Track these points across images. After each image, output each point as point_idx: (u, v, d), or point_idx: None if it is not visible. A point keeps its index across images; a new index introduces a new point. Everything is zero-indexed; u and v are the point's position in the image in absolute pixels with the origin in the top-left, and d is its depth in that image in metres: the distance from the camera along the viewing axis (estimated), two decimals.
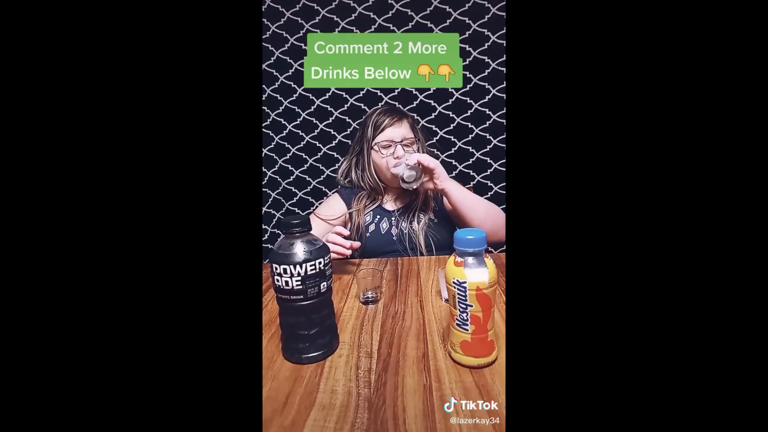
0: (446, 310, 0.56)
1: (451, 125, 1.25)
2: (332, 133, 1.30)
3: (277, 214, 1.38)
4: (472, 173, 1.26)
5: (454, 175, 1.25)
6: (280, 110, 1.30)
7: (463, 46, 1.18)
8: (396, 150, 0.85)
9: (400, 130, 0.87)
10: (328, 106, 1.28)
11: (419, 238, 0.86)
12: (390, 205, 0.93)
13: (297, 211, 1.35)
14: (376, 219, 0.90)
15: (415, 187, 0.80)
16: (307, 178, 1.34)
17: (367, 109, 1.23)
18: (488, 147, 1.25)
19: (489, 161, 1.25)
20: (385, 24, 1.21)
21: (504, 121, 1.22)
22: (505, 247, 1.23)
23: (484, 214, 0.81)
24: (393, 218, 0.90)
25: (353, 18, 1.22)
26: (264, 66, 1.26)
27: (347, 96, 1.27)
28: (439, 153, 1.22)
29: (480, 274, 0.39)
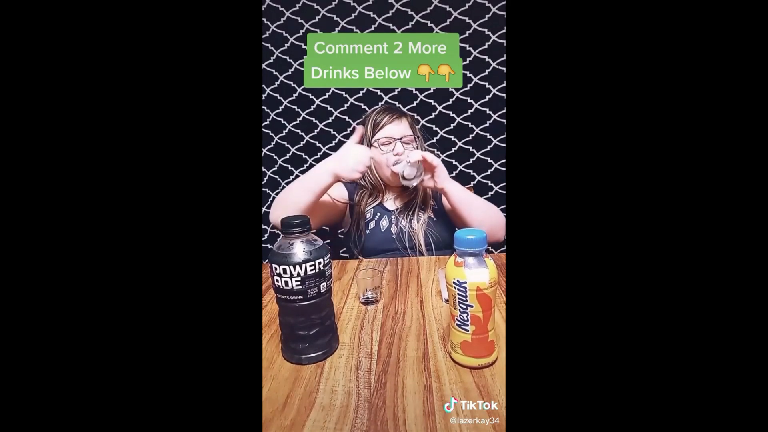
0: (446, 310, 0.56)
1: (452, 125, 1.25)
2: (332, 132, 1.30)
3: None
4: (472, 173, 1.26)
5: (454, 174, 1.25)
6: (280, 110, 1.30)
7: (463, 45, 1.18)
8: (396, 147, 0.85)
9: (399, 128, 0.87)
10: (328, 106, 1.28)
11: (419, 237, 0.86)
12: (390, 204, 0.93)
13: None
14: (377, 216, 0.90)
15: (415, 184, 0.80)
16: None
17: (366, 109, 1.23)
18: (488, 147, 1.25)
19: (489, 161, 1.25)
20: (385, 23, 1.21)
21: (504, 120, 1.22)
22: (505, 247, 1.23)
23: (482, 215, 0.81)
24: (393, 216, 0.90)
25: (353, 17, 1.22)
26: (264, 65, 1.26)
27: (347, 96, 1.27)
28: (439, 153, 1.22)
29: (480, 275, 0.39)
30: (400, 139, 0.86)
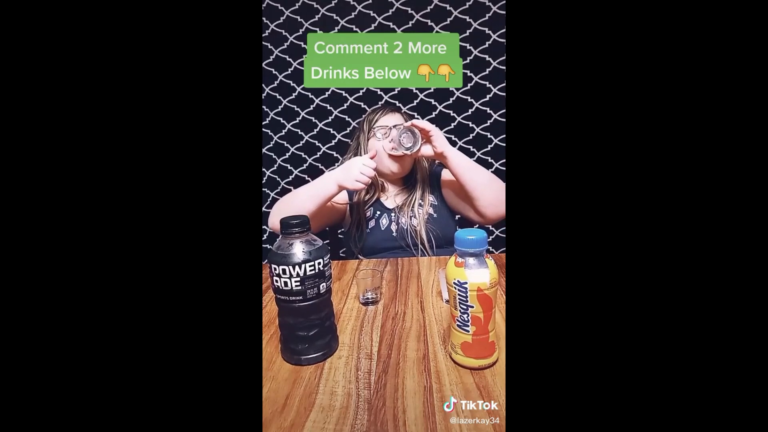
0: (447, 311, 0.56)
1: (452, 124, 1.25)
2: (332, 132, 1.30)
3: None
4: None
5: None
6: (279, 109, 1.29)
7: (463, 44, 1.17)
8: (391, 133, 0.86)
9: (393, 118, 0.90)
10: (328, 105, 1.28)
11: (420, 233, 0.86)
12: (390, 202, 0.93)
13: None
14: (377, 215, 0.90)
15: (415, 149, 0.78)
16: (307, 178, 1.33)
17: (366, 108, 1.23)
18: (489, 146, 1.25)
19: (490, 161, 1.25)
20: (384, 22, 1.21)
21: (504, 120, 1.22)
22: (505, 248, 1.23)
23: (487, 182, 0.79)
24: (393, 214, 0.90)
25: (353, 16, 1.21)
26: (263, 65, 1.26)
27: (347, 95, 1.27)
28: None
29: (481, 275, 0.39)
30: (395, 126, 0.87)
